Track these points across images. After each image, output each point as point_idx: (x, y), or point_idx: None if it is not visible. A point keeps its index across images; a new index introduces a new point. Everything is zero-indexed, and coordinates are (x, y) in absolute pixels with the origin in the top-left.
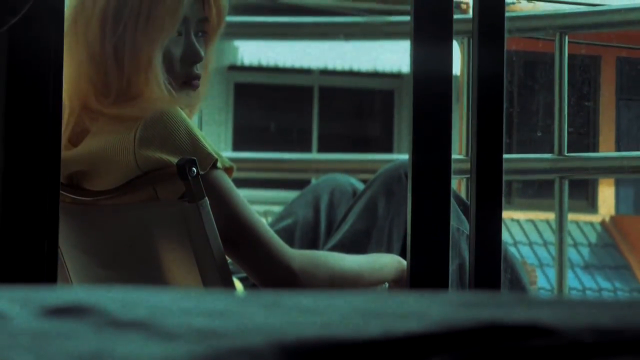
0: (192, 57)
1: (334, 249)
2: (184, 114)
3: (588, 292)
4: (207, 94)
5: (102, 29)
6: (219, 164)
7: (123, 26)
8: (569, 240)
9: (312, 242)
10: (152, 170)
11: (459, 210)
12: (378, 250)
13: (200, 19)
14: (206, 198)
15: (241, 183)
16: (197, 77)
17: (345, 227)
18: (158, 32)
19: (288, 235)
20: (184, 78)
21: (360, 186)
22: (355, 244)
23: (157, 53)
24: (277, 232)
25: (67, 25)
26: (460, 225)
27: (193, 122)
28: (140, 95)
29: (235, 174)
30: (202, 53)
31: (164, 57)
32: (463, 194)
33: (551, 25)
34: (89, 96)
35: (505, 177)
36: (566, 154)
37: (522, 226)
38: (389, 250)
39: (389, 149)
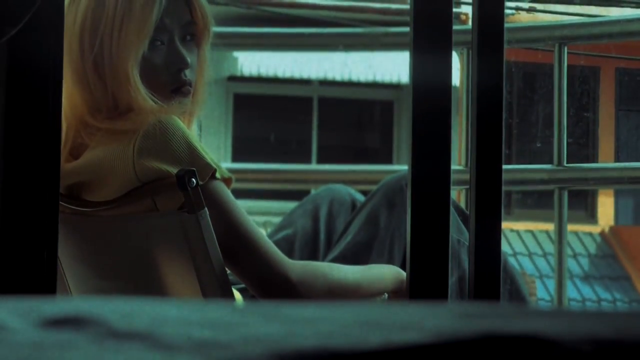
0: (176, 64)
1: (336, 260)
2: (182, 124)
3: (587, 303)
4: (206, 101)
5: (81, 46)
6: (217, 175)
7: (99, 42)
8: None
9: (312, 253)
10: (151, 181)
11: (459, 220)
12: (379, 262)
13: (185, 22)
14: (205, 209)
15: (241, 194)
16: (187, 84)
17: (347, 239)
18: (130, 46)
19: (287, 245)
20: (173, 85)
21: (359, 197)
22: (356, 256)
23: (133, 66)
24: (277, 242)
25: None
26: (460, 236)
27: (192, 132)
28: (130, 108)
29: (235, 185)
30: (188, 58)
31: (147, 67)
32: (462, 205)
33: (550, 36)
34: (83, 112)
35: (504, 188)
36: (565, 165)
37: (521, 237)
38: (390, 261)
39: (388, 160)
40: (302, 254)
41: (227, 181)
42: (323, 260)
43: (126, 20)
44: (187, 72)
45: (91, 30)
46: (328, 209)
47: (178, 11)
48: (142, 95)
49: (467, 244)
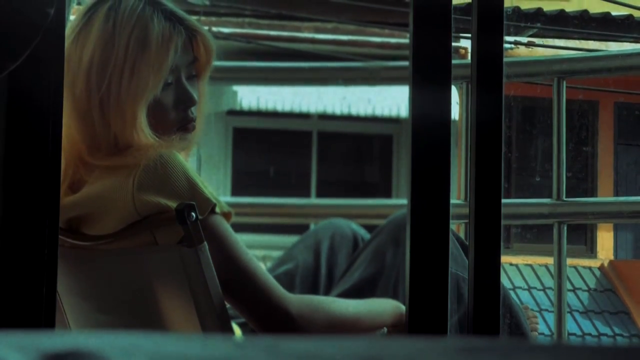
0: (186, 103)
1: (341, 296)
2: (182, 159)
3: (587, 338)
4: (203, 135)
5: (87, 84)
6: (217, 209)
7: (107, 82)
8: (567, 285)
9: (313, 287)
10: (150, 215)
11: (460, 253)
12: (384, 298)
13: (190, 61)
14: (205, 243)
15: (240, 228)
16: (193, 120)
17: (354, 276)
18: (142, 90)
19: (288, 279)
20: (180, 124)
21: (361, 231)
22: (362, 292)
23: (141, 108)
24: (278, 276)
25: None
26: (459, 270)
27: (191, 167)
28: (130, 145)
29: (234, 219)
30: (196, 96)
31: (157, 107)
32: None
33: (549, 70)
34: (82, 150)
35: (503, 222)
36: (564, 199)
37: (520, 271)
38: (395, 299)
39: (387, 194)
40: (302, 288)
41: (226, 215)
42: (326, 295)
43: (139, 62)
44: (193, 109)
45: (99, 70)
46: (330, 244)
47: (185, 50)
48: (145, 135)
49: (466, 277)
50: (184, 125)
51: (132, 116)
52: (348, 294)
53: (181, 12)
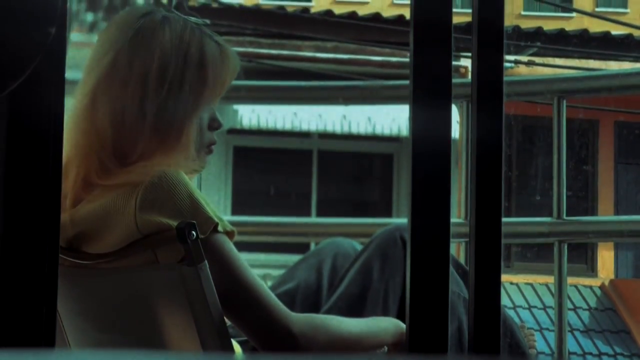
0: (217, 124)
1: (330, 311)
2: (185, 177)
3: (588, 357)
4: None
5: (142, 92)
6: (219, 228)
7: (166, 91)
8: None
9: (314, 306)
10: (152, 233)
11: (456, 274)
12: (374, 313)
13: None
14: (205, 261)
15: (240, 246)
16: (215, 142)
17: (340, 290)
18: (196, 106)
19: (289, 299)
20: (209, 144)
21: None
22: (351, 307)
23: (194, 121)
24: (279, 295)
25: (84, 98)
26: (458, 289)
27: (194, 185)
28: (133, 162)
29: (235, 237)
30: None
31: (197, 126)
32: (462, 258)
33: (549, 89)
34: (90, 171)
35: (504, 241)
36: (565, 218)
37: (521, 290)
38: (385, 313)
39: (388, 213)
40: (303, 307)
41: (229, 234)
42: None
43: (196, 79)
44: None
45: (156, 78)
46: (332, 263)
47: None
48: (189, 151)
49: (465, 296)
50: (210, 146)
51: (182, 127)
52: (338, 308)
53: (218, 36)
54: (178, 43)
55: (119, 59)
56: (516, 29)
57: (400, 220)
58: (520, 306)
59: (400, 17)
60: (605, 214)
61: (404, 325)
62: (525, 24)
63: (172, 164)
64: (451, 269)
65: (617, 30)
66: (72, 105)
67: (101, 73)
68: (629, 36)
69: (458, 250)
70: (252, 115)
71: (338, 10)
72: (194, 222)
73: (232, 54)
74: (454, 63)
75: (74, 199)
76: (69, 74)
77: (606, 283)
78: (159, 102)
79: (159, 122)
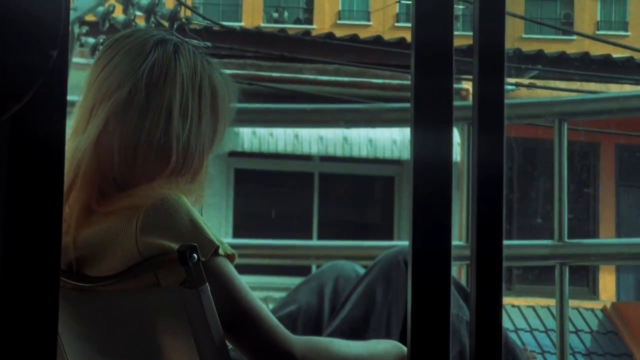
0: (219, 147)
1: (333, 334)
2: (186, 200)
3: None
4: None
5: (159, 125)
6: (220, 251)
7: (187, 124)
8: (570, 327)
9: (315, 329)
10: (153, 256)
11: (458, 296)
12: (376, 336)
13: None
14: (207, 284)
15: (241, 269)
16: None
17: (343, 313)
18: (217, 128)
19: (291, 321)
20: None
21: None
22: (353, 331)
23: (213, 146)
24: (280, 318)
25: (93, 128)
26: (459, 312)
27: (195, 209)
28: (149, 182)
29: (236, 260)
30: None
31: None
32: (463, 280)
33: (550, 112)
34: (91, 199)
35: (505, 264)
36: (566, 240)
37: (522, 312)
38: (387, 336)
39: (389, 235)
40: (305, 330)
41: (230, 257)
42: (323, 336)
43: (214, 109)
44: None
45: (182, 105)
46: (333, 286)
47: None
48: (202, 177)
49: (466, 319)
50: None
51: (202, 152)
52: (340, 331)
53: (214, 60)
54: (192, 75)
55: (135, 93)
56: (517, 51)
57: (402, 242)
58: (522, 329)
59: (402, 40)
60: (607, 237)
61: (405, 348)
62: (526, 47)
63: (173, 187)
64: (453, 291)
65: (617, 53)
66: (71, 132)
67: (117, 105)
68: (629, 59)
69: (459, 272)
70: (253, 137)
71: (339, 33)
72: (195, 244)
73: (231, 80)
74: (455, 86)
75: (74, 223)
76: (70, 96)
77: (608, 306)
78: (178, 135)
79: (180, 156)
